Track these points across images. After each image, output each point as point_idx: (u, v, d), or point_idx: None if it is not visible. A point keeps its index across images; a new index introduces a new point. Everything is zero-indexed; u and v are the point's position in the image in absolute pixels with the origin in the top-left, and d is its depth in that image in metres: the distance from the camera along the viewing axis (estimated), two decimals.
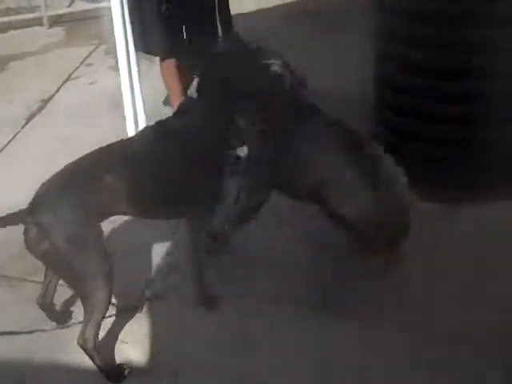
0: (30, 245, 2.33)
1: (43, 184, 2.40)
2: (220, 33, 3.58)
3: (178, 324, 2.67)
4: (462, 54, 3.05)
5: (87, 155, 2.48)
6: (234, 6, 3.81)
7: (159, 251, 3.04)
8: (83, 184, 2.36)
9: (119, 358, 2.54)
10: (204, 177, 2.56)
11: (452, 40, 3.06)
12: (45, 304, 2.63)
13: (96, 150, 2.50)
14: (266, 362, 2.48)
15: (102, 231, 2.40)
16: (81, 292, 2.41)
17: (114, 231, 2.95)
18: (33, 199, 2.35)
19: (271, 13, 5.58)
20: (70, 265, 2.31)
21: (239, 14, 5.64)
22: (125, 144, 2.58)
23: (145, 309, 2.75)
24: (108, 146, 2.54)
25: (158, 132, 2.59)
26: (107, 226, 2.56)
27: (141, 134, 2.74)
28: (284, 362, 2.46)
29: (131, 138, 2.75)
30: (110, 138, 3.30)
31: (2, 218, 2.32)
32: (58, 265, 2.38)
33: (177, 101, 3.69)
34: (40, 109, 4.52)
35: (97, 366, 2.43)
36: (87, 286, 2.35)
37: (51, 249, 2.29)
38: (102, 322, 2.40)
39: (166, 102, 4.20)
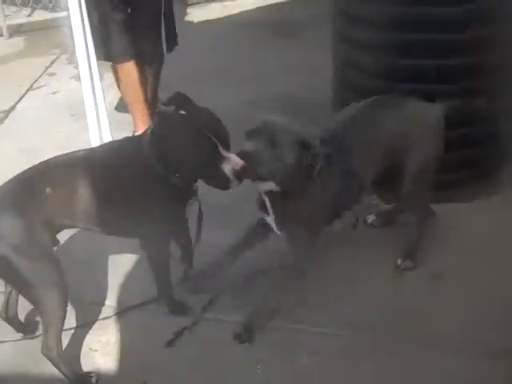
0: None
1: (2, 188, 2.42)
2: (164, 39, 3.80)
3: (148, 333, 2.68)
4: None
5: (33, 167, 2.50)
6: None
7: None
8: (26, 195, 2.37)
9: (89, 366, 2.54)
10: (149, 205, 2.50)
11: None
12: (8, 317, 2.64)
13: (42, 163, 2.52)
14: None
15: (50, 241, 2.40)
16: (33, 302, 2.42)
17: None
18: None
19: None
20: (16, 274, 2.32)
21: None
22: (71, 158, 2.57)
23: (114, 317, 2.76)
24: (53, 158, 2.55)
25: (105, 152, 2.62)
26: None
27: (92, 151, 2.73)
28: None
29: (80, 151, 2.68)
30: (73, 147, 3.31)
31: None
32: (5, 273, 2.39)
33: (140, 104, 3.74)
34: (2, 119, 4.48)
35: (63, 374, 2.44)
36: (38, 295, 2.36)
37: None
38: (61, 331, 2.41)
39: (120, 107, 4.22)
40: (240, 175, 2.36)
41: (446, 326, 2.61)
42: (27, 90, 4.88)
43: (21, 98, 4.76)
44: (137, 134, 3.71)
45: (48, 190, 2.38)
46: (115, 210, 2.51)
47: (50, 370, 2.44)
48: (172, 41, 3.91)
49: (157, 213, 2.52)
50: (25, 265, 2.31)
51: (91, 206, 2.46)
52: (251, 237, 2.84)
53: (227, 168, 2.35)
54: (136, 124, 3.85)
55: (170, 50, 3.91)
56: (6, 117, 4.52)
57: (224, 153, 2.35)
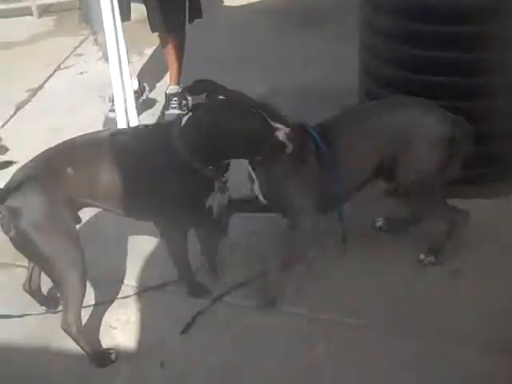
0: (4, 228, 2.40)
1: (17, 170, 2.48)
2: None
3: (167, 313, 2.73)
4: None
5: (58, 145, 2.56)
6: None
7: None
8: (48, 173, 2.42)
9: (108, 343, 2.60)
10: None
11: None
12: (32, 290, 2.70)
13: (66, 141, 2.57)
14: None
15: (71, 219, 2.45)
16: (52, 279, 2.48)
17: None
18: (5, 184, 2.42)
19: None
20: (37, 251, 2.38)
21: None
22: (96, 138, 2.62)
23: (134, 297, 2.82)
24: (78, 137, 2.60)
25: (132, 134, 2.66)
26: None
27: (118, 132, 2.75)
28: None
29: (106, 132, 2.75)
30: (98, 128, 3.36)
31: None
32: (26, 250, 2.44)
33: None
34: (30, 98, 4.54)
35: (83, 349, 2.50)
36: (57, 272, 2.41)
37: (19, 233, 2.35)
38: (81, 307, 2.47)
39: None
40: (292, 138, 2.46)
41: (463, 321, 2.63)
42: (55, 70, 4.92)
43: (49, 78, 4.81)
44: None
45: (69, 169, 2.42)
46: (136, 194, 2.55)
47: (71, 344, 2.51)
48: (195, 12, 3.95)
49: (178, 201, 2.56)
50: (45, 242, 2.37)
51: (112, 188, 2.50)
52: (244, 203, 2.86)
53: (280, 134, 2.43)
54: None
55: (191, 20, 3.95)
56: (33, 95, 4.58)
57: (271, 122, 2.44)
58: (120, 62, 3.51)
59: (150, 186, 2.53)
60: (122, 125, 3.53)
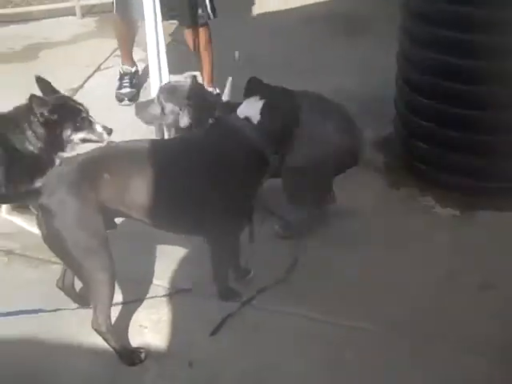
0: (39, 226, 2.45)
1: (54, 170, 2.54)
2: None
3: (198, 315, 2.76)
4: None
5: (98, 149, 2.60)
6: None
7: None
8: (84, 176, 2.43)
9: (138, 342, 2.64)
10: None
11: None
12: (64, 287, 2.75)
13: (107, 146, 2.65)
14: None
15: (103, 223, 2.44)
16: (82, 279, 2.52)
17: None
18: (42, 182, 2.48)
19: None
20: (67, 251, 2.41)
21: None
22: (137, 147, 2.61)
23: (166, 297, 2.86)
24: (119, 144, 2.65)
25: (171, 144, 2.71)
26: None
27: (157, 143, 2.78)
28: None
29: (149, 140, 2.76)
30: (136, 131, 3.41)
31: (21, 194, 2.47)
32: (58, 250, 2.48)
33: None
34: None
35: (112, 348, 2.54)
36: (87, 274, 2.45)
37: (51, 232, 2.40)
38: (110, 307, 2.50)
39: None
40: None
41: (489, 333, 2.61)
42: (95, 70, 5.00)
43: (89, 78, 4.88)
44: None
45: (106, 175, 2.43)
46: (184, 207, 2.54)
47: (101, 341, 2.54)
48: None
49: (242, 200, 2.59)
50: (75, 242, 2.40)
51: (148, 199, 2.48)
52: None
53: None
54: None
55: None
56: (73, 95, 4.63)
57: None
58: (159, 62, 3.57)
59: (205, 192, 2.52)
60: None
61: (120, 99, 4.51)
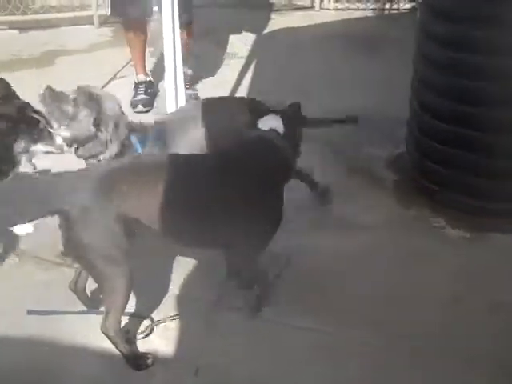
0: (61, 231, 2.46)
1: (78, 177, 2.54)
2: None
3: (206, 322, 2.77)
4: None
5: (123, 160, 2.65)
6: None
7: None
8: (106, 186, 2.43)
9: (145, 347, 2.65)
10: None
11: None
12: (77, 289, 2.77)
13: (131, 157, 2.68)
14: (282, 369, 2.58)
15: (122, 233, 2.43)
16: (99, 284, 2.53)
17: None
18: (65, 189, 2.49)
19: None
20: (87, 258, 2.44)
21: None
22: (158, 161, 2.63)
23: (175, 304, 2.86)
24: (142, 156, 2.71)
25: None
26: None
27: (186, 157, 2.73)
28: None
29: (172, 155, 2.76)
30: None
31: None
32: (77, 256, 2.51)
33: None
34: None
35: (120, 352, 2.55)
36: (104, 281, 2.47)
37: (70, 237, 2.42)
38: (122, 314, 2.52)
39: None
40: None
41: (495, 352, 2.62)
42: (111, 79, 5.06)
43: (104, 86, 4.92)
44: None
45: (124, 187, 2.43)
46: (210, 220, 2.54)
47: (109, 345, 2.55)
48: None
49: (274, 213, 2.64)
50: (97, 251, 2.42)
51: (168, 214, 2.47)
52: None
53: None
54: None
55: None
56: None
57: None
58: (176, 74, 3.61)
59: (250, 203, 2.54)
60: None
61: (134, 105, 4.56)
